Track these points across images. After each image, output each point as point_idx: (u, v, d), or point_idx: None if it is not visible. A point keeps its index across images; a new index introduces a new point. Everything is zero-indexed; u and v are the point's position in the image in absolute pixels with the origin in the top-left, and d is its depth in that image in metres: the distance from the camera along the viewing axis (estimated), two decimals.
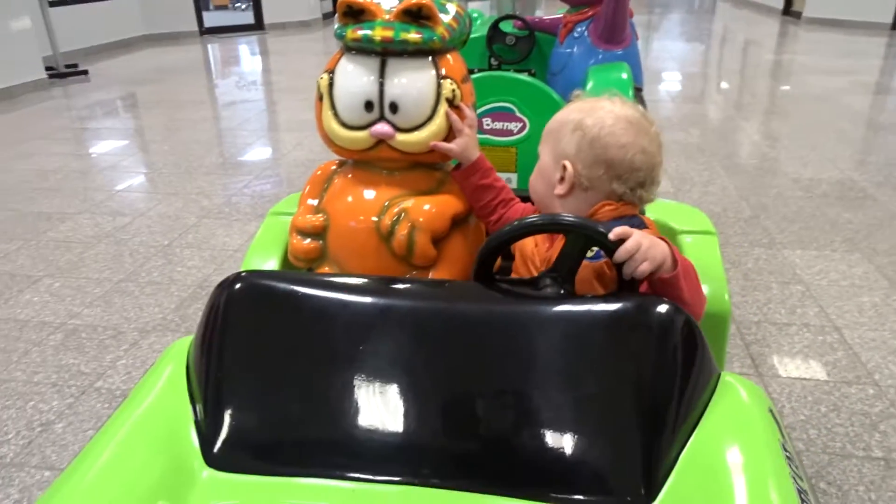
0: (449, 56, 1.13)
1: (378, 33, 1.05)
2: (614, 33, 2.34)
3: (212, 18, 11.82)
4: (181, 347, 0.98)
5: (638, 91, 2.22)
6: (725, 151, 4.32)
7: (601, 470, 0.80)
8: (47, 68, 7.00)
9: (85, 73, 7.41)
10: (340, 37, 1.10)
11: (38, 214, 3.46)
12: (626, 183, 1.07)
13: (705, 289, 1.16)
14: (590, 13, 2.42)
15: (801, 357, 2.15)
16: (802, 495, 0.76)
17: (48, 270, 2.84)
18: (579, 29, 2.43)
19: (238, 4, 15.81)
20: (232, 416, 0.86)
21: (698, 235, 1.31)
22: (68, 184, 3.99)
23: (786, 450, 0.82)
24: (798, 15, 10.95)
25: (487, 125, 1.86)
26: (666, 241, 0.95)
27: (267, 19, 11.43)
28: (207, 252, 2.99)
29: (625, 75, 2.14)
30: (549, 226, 0.97)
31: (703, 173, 3.88)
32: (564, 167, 1.07)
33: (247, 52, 9.57)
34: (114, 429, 0.86)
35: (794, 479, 0.78)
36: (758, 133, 4.81)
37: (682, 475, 0.78)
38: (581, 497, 0.78)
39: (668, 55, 8.40)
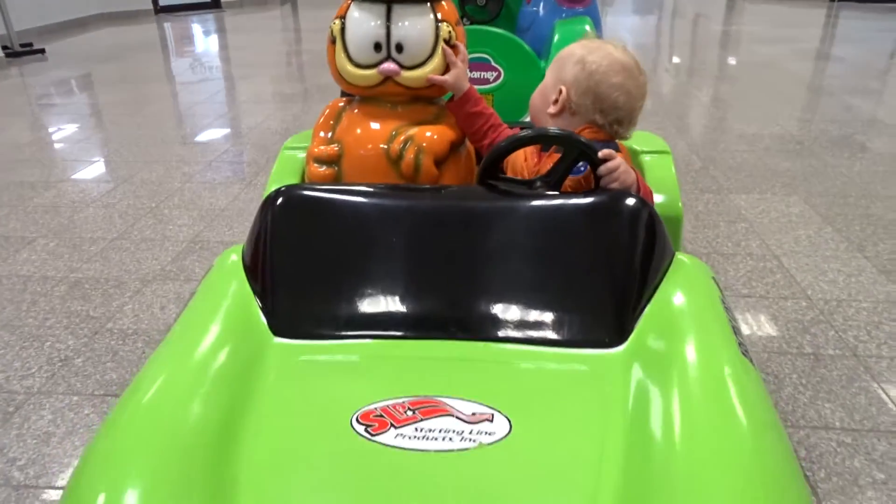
0: (444, 2, 1.33)
1: None
2: None
3: None
4: (231, 254, 1.17)
5: None
6: (677, 113, 4.61)
7: (582, 322, 1.03)
8: (3, 47, 6.91)
9: (42, 51, 7.33)
10: None
11: (21, 183, 3.54)
12: (607, 116, 1.31)
13: (661, 197, 1.41)
14: None
15: (744, 280, 2.44)
16: (736, 332, 1.00)
17: (41, 232, 2.95)
18: None
19: None
20: (289, 296, 1.06)
21: (656, 155, 1.56)
22: (45, 155, 4.05)
23: (724, 304, 1.06)
24: None
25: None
26: (635, 172, 1.20)
27: None
28: (195, 212, 3.13)
29: (588, 28, 2.37)
30: (554, 138, 1.19)
31: (657, 132, 4.15)
32: (560, 91, 1.30)
33: (207, 30, 9.52)
34: (189, 320, 1.04)
35: (731, 323, 1.02)
36: (707, 97, 5.12)
37: (645, 324, 1.01)
38: (569, 339, 1.01)
39: (621, 27, 8.70)
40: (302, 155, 1.54)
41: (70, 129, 4.62)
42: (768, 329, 2.14)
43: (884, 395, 1.83)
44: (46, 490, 1.58)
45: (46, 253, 2.76)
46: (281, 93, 5.57)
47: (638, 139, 1.65)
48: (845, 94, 5.00)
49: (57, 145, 4.27)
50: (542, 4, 2.64)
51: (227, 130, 4.50)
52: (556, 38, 2.34)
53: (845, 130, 4.13)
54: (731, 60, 6.62)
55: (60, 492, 1.57)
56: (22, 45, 7.30)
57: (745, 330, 2.13)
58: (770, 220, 2.92)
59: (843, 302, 2.28)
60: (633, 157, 1.56)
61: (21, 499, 1.56)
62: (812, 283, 2.40)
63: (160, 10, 10.72)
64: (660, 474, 0.75)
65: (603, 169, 1.14)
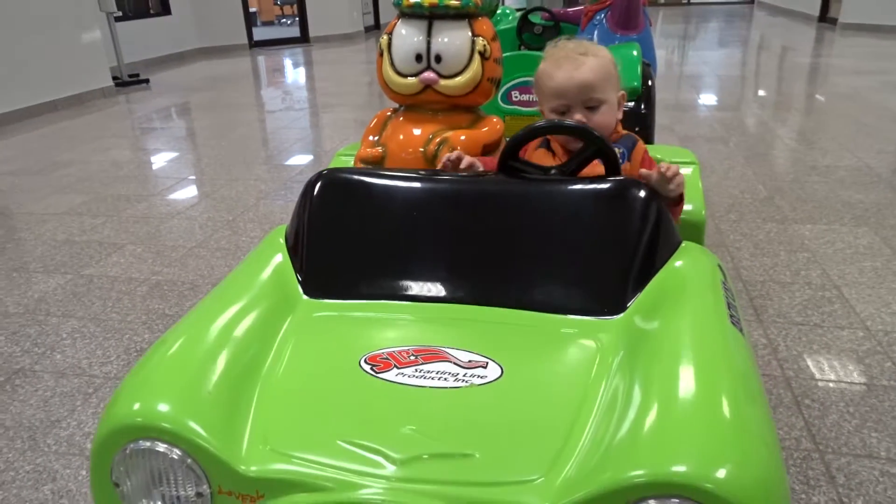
0: (481, 19, 1.45)
1: (427, 0, 1.38)
2: (629, 20, 2.64)
3: (260, 33, 12.43)
4: (275, 231, 1.32)
5: (647, 66, 2.49)
6: (748, 144, 4.53)
7: (583, 293, 1.11)
8: (113, 77, 7.58)
9: (146, 81, 7.98)
10: (398, 5, 1.43)
11: (117, 196, 3.89)
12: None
13: (688, 206, 1.46)
14: (608, 2, 2.72)
15: (799, 308, 2.38)
16: (731, 310, 1.04)
17: (130, 239, 3.24)
18: (598, 17, 2.73)
19: (284, 20, 16.52)
20: (321, 263, 1.20)
21: (685, 166, 1.60)
22: (140, 172, 4.43)
23: (725, 287, 1.10)
24: (834, 21, 11.01)
25: (516, 97, 2.18)
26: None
27: (312, 33, 11.99)
28: (267, 225, 3.35)
29: (635, 52, 2.43)
30: (571, 129, 1.26)
31: (724, 162, 4.11)
32: (624, 96, 1.39)
33: (294, 63, 10.08)
34: (233, 278, 1.20)
35: (728, 300, 1.06)
36: (782, 128, 5.00)
37: (643, 299, 1.08)
38: (569, 307, 1.09)
39: (703, 61, 8.60)
40: (353, 160, 1.68)
41: (165, 150, 5.02)
42: (820, 357, 2.09)
43: None
44: None
45: (133, 257, 3.03)
46: (359, 120, 5.85)
47: (668, 152, 1.71)
48: None
49: (152, 164, 4.65)
50: (595, 32, 2.72)
51: (305, 153, 4.77)
52: None
53: None
54: (814, 92, 6.42)
55: None
56: (130, 76, 7.98)
57: (791, 356, 2.09)
58: (835, 250, 2.84)
59: None
60: None
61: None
62: (873, 315, 2.32)
63: (254, 45, 11.45)
64: (631, 423, 0.81)
65: (671, 171, 1.20)
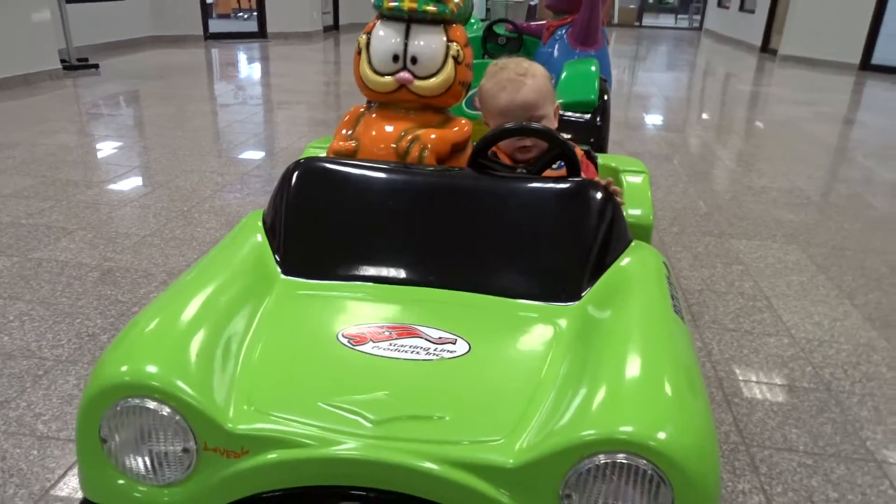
0: (455, 26, 1.53)
1: (406, 4, 1.45)
2: (588, 37, 2.78)
3: (216, 25, 12.25)
4: (253, 214, 1.37)
5: (603, 81, 2.63)
6: (691, 163, 4.77)
7: (544, 281, 1.20)
8: (61, 61, 7.35)
9: (96, 66, 7.77)
10: (378, 6, 1.50)
11: (66, 181, 3.80)
12: None
13: (637, 211, 1.59)
14: (569, 19, 2.85)
15: (732, 316, 2.55)
16: (675, 301, 1.15)
17: (80, 224, 3.18)
18: (560, 32, 2.86)
19: (241, 14, 16.29)
20: (299, 245, 1.26)
21: (636, 174, 1.74)
22: (90, 158, 4.34)
23: (669, 280, 1.21)
24: (774, 52, 11.61)
25: (479, 104, 2.26)
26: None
27: (270, 28, 11.88)
28: (224, 218, 3.35)
29: (593, 68, 2.57)
30: (536, 132, 1.36)
31: (669, 178, 4.32)
32: (558, 107, 1.55)
33: (251, 57, 9.97)
34: (212, 257, 1.24)
35: (671, 291, 1.17)
36: (723, 150, 5.28)
37: (597, 288, 1.18)
38: (531, 293, 1.18)
39: (653, 83, 8.94)
40: (324, 153, 1.74)
41: (116, 137, 4.92)
42: (748, 361, 2.25)
43: (849, 427, 1.92)
44: (67, 442, 1.75)
45: (84, 243, 2.98)
46: (316, 118, 5.86)
47: (621, 161, 1.84)
48: (860, 157, 5.12)
49: (102, 151, 4.56)
50: (556, 46, 2.85)
51: (260, 148, 4.76)
52: (563, 75, 2.54)
53: (854, 189, 4.25)
54: (753, 118, 6.78)
55: None
56: (78, 60, 7.76)
57: (723, 359, 2.25)
58: (766, 265, 3.04)
59: (825, 342, 2.39)
60: (615, 174, 1.75)
61: (43, 447, 1.72)
62: (797, 324, 2.51)
63: (209, 37, 11.27)
64: (584, 394, 0.90)
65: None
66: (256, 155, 4.58)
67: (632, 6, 19.27)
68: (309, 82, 7.85)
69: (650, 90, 8.19)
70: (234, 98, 6.72)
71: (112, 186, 3.77)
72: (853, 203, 3.96)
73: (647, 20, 19.97)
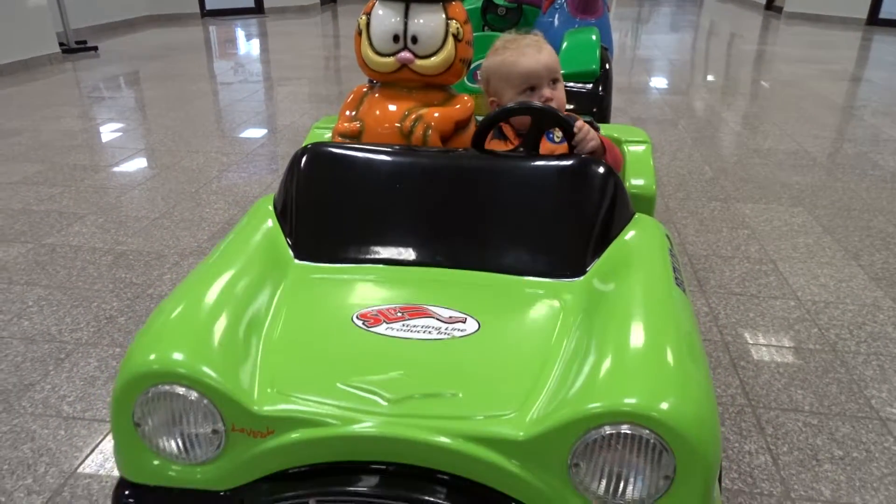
0: (454, 3, 1.53)
1: None
2: (588, 5, 2.76)
3: (213, 2, 12.09)
4: (264, 200, 1.40)
5: (604, 50, 2.62)
6: (696, 126, 4.75)
7: (549, 258, 1.23)
8: (60, 44, 7.32)
9: (95, 48, 7.73)
10: None
11: (74, 166, 3.83)
12: None
13: (640, 181, 1.61)
14: None
15: (738, 280, 2.58)
16: (676, 273, 1.18)
17: (91, 209, 3.22)
18: (559, 1, 2.84)
19: None
20: (310, 229, 1.29)
21: (638, 144, 1.75)
22: (96, 142, 4.36)
23: (671, 253, 1.24)
24: (779, 10, 11.41)
25: (480, 77, 2.26)
26: (602, 139, 1.40)
27: (267, 3, 11.74)
28: (231, 198, 3.38)
29: (594, 37, 2.55)
30: (536, 110, 1.38)
31: (674, 143, 4.31)
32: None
33: (250, 34, 9.89)
34: (228, 244, 1.27)
35: (673, 264, 1.20)
36: (728, 112, 5.24)
37: (601, 263, 1.21)
38: (537, 270, 1.21)
39: (656, 45, 8.83)
40: (329, 134, 1.76)
41: (119, 120, 4.93)
42: (754, 324, 2.28)
43: (854, 386, 1.96)
44: (92, 422, 1.81)
45: (96, 227, 3.02)
46: (317, 94, 5.84)
47: (623, 131, 1.85)
48: (867, 115, 5.08)
49: (106, 134, 4.58)
50: (556, 15, 2.83)
51: (263, 127, 4.77)
52: (564, 45, 2.53)
53: (860, 148, 4.22)
54: (759, 79, 6.71)
55: (104, 424, 1.79)
56: (77, 42, 7.72)
57: (729, 323, 2.28)
58: (772, 227, 3.05)
59: (831, 304, 2.41)
60: (618, 144, 1.76)
61: (69, 427, 1.78)
62: (803, 286, 2.53)
63: (206, 14, 11.16)
64: (590, 368, 0.94)
65: (577, 137, 1.36)
66: (260, 133, 4.59)
67: None
68: (308, 57, 7.80)
69: (653, 53, 8.10)
70: (234, 76, 6.69)
71: (119, 170, 3.80)
72: (859, 163, 3.95)
73: None
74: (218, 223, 3.07)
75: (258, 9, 11.75)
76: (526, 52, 1.53)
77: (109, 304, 2.40)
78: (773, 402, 1.90)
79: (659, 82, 6.41)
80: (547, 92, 1.52)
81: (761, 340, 2.19)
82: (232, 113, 5.21)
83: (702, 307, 2.38)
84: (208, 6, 11.29)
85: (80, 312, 2.34)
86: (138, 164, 3.92)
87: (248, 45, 9.09)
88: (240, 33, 9.89)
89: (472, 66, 2.27)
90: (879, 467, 1.66)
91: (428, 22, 1.49)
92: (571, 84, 2.32)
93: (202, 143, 4.32)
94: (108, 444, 1.72)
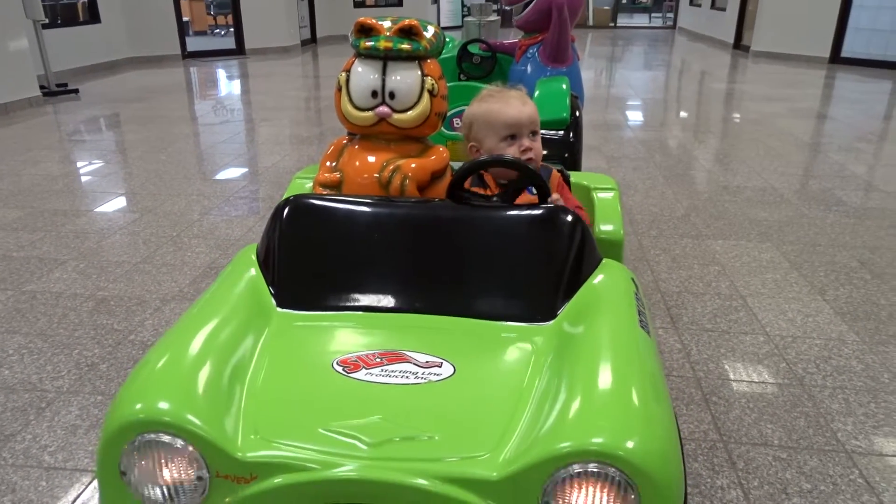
0: (430, 61, 1.62)
1: (382, 44, 1.54)
2: (558, 54, 2.88)
3: (194, 43, 12.26)
4: (247, 249, 1.45)
5: (574, 98, 2.74)
6: (668, 165, 4.89)
7: (521, 304, 1.29)
8: (40, 87, 7.37)
9: (76, 91, 7.79)
10: (355, 46, 1.58)
11: (54, 211, 3.85)
12: None
13: (609, 226, 1.69)
14: (539, 38, 2.96)
15: (710, 316, 2.66)
16: (641, 316, 1.24)
17: (72, 255, 3.24)
18: (531, 50, 2.97)
19: (217, 31, 16.31)
20: (292, 277, 1.34)
21: (606, 191, 1.84)
22: (77, 186, 4.38)
23: (637, 296, 1.31)
24: (747, 49, 11.82)
25: (457, 124, 2.36)
26: (570, 203, 1.50)
27: (248, 44, 11.93)
28: (212, 241, 3.41)
29: (564, 86, 2.67)
30: (510, 163, 1.45)
31: (646, 181, 4.44)
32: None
33: (231, 75, 10.01)
34: (212, 293, 1.32)
35: (638, 307, 1.26)
36: (698, 150, 5.40)
37: (570, 308, 1.27)
38: (509, 315, 1.27)
39: (628, 82, 9.09)
40: (310, 183, 1.82)
41: (100, 163, 4.97)
42: (726, 360, 2.35)
43: (821, 420, 2.03)
44: (74, 472, 1.81)
45: (77, 273, 3.04)
46: (298, 135, 5.93)
47: (592, 178, 1.93)
48: (831, 152, 5.27)
49: (87, 178, 4.60)
50: (528, 64, 2.95)
51: (245, 169, 4.83)
52: (536, 93, 2.64)
53: (825, 185, 4.38)
54: (727, 117, 6.93)
55: (86, 474, 1.80)
56: (58, 85, 7.77)
57: (701, 359, 2.35)
58: (742, 263, 3.15)
59: (798, 339, 2.49)
60: (586, 192, 1.85)
61: (51, 478, 1.79)
62: (772, 321, 2.62)
63: (187, 56, 11.30)
64: (559, 409, 0.99)
65: (551, 200, 1.44)
66: (241, 175, 4.65)
67: (606, 7, 19.50)
68: (289, 98, 7.91)
69: (627, 92, 8.34)
70: (215, 118, 6.77)
71: (100, 214, 3.82)
72: (824, 198, 4.10)
73: (622, 20, 20.22)
74: (200, 267, 3.10)
75: (239, 50, 11.93)
76: (511, 102, 1.62)
77: (91, 350, 2.41)
78: (744, 436, 1.95)
79: (633, 120, 6.60)
80: (526, 142, 1.61)
81: (732, 376, 2.26)
82: (213, 155, 5.26)
83: (675, 344, 2.45)
84: (189, 48, 11.44)
85: (61, 360, 2.35)
86: (119, 207, 3.95)
87: (229, 86, 9.20)
88: (221, 74, 10.01)
89: (450, 113, 2.37)
90: (845, 499, 1.72)
91: (404, 78, 1.57)
92: (544, 131, 2.41)
93: (183, 185, 4.36)
94: (88, 494, 1.73)
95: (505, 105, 1.61)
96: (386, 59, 1.57)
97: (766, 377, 2.25)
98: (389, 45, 1.54)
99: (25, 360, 2.34)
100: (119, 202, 4.05)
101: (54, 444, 1.91)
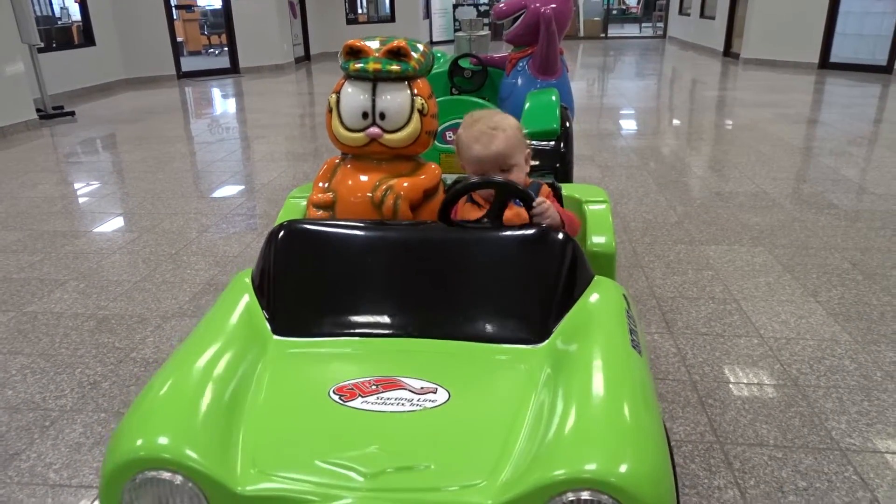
0: (419, 81, 1.66)
1: (371, 66, 1.58)
2: (548, 67, 2.94)
3: (188, 63, 12.35)
4: (242, 275, 1.47)
5: (564, 109, 2.79)
6: (661, 172, 4.94)
7: (513, 325, 1.31)
8: (37, 110, 7.42)
9: (72, 113, 7.84)
10: (345, 68, 1.62)
11: (54, 233, 3.88)
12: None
13: (601, 238, 1.72)
14: (529, 51, 3.02)
15: (704, 320, 2.69)
16: (633, 335, 1.27)
17: (72, 275, 3.27)
18: (521, 64, 3.03)
19: (212, 50, 16.41)
20: (287, 303, 1.36)
21: (597, 203, 1.87)
22: (75, 207, 4.42)
23: (628, 313, 1.33)
24: (736, 56, 11.94)
25: (449, 137, 2.40)
26: (561, 210, 1.51)
27: (242, 63, 12.01)
28: (211, 258, 3.45)
29: (553, 97, 2.72)
30: (495, 184, 1.49)
31: (640, 189, 4.48)
32: (529, 153, 1.65)
33: (226, 94, 10.08)
34: (209, 322, 1.34)
35: (630, 326, 1.29)
36: (690, 157, 5.46)
37: (563, 328, 1.29)
38: (502, 337, 1.29)
39: (620, 92, 9.17)
40: (304, 203, 1.85)
41: (98, 184, 5.01)
42: (721, 362, 2.38)
43: (816, 419, 2.06)
44: (79, 489, 1.83)
45: (77, 293, 3.06)
46: (293, 152, 5.98)
47: (583, 190, 1.96)
48: (821, 156, 5.33)
49: (85, 199, 4.64)
50: (519, 77, 3.01)
51: (241, 186, 4.87)
52: (527, 105, 2.69)
53: (815, 188, 4.43)
54: (719, 124, 7.00)
55: (91, 490, 1.82)
56: (54, 108, 7.83)
57: (697, 363, 2.38)
58: (735, 268, 3.19)
59: (792, 340, 2.53)
60: (577, 204, 1.88)
61: (56, 495, 1.81)
62: (765, 324, 2.65)
63: (182, 76, 11.38)
64: (553, 433, 1.01)
65: (535, 210, 1.46)
66: (238, 193, 4.69)
67: (596, 18, 19.65)
68: (284, 115, 7.97)
69: (619, 101, 8.41)
70: (211, 136, 6.82)
71: (99, 235, 3.86)
72: (816, 202, 4.14)
73: (613, 30, 20.36)
74: (199, 284, 3.13)
75: (234, 68, 12.01)
76: (480, 139, 1.57)
77: (93, 369, 2.43)
78: (740, 437, 1.98)
79: (625, 129, 6.66)
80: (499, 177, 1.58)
81: (727, 378, 2.29)
82: (210, 173, 5.31)
83: (670, 348, 2.48)
84: (184, 68, 11.52)
85: (64, 379, 2.37)
86: (118, 227, 3.99)
87: (224, 105, 9.27)
88: (216, 93, 10.08)
89: (442, 127, 2.42)
90: (840, 496, 1.74)
91: (394, 98, 1.60)
92: (535, 142, 2.46)
93: (181, 204, 4.40)
94: None
95: (474, 142, 1.58)
96: (375, 80, 1.61)
97: (760, 379, 2.28)
98: (378, 66, 1.58)
99: (28, 379, 2.37)
100: (117, 222, 4.09)
101: (59, 462, 1.93)
